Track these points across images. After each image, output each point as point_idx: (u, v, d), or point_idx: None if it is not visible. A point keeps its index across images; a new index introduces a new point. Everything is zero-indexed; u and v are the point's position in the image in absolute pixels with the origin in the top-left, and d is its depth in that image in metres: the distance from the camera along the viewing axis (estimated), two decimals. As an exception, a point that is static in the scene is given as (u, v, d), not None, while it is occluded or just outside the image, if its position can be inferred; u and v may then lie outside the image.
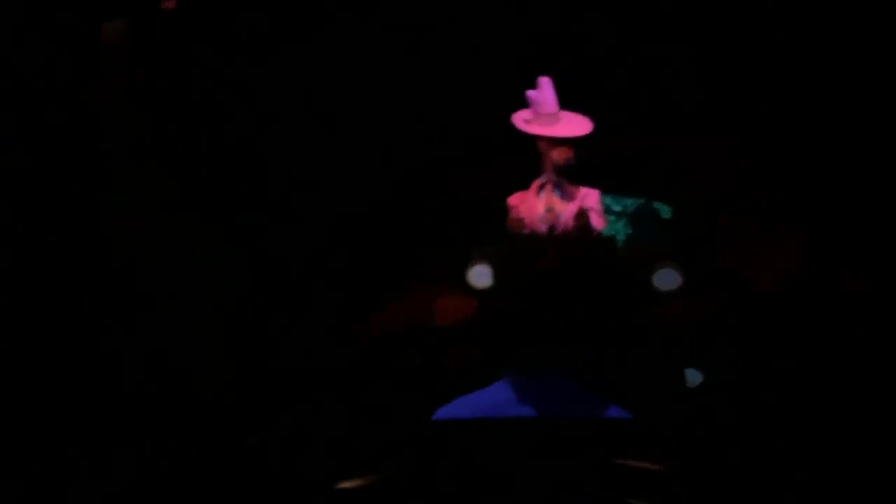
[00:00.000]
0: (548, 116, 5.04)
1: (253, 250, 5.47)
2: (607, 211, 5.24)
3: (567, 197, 5.13)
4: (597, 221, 5.11)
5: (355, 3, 5.86)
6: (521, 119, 5.11)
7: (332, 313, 5.39)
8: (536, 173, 5.17)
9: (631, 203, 5.31)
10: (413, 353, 5.15)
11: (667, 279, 4.78)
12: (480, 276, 4.86)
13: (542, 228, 5.11)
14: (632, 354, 4.72)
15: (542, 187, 5.16)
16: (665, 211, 5.26)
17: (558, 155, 5.07)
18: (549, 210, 5.13)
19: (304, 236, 5.59)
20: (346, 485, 4.00)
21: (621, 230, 5.28)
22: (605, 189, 5.22)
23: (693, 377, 4.83)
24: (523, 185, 5.20)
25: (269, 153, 5.65)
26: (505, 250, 4.96)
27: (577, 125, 5.09)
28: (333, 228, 5.61)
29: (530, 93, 5.07)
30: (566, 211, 5.12)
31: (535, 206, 5.15)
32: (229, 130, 5.56)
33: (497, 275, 4.84)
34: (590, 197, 5.18)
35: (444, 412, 4.55)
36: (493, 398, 4.54)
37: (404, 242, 5.65)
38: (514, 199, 5.19)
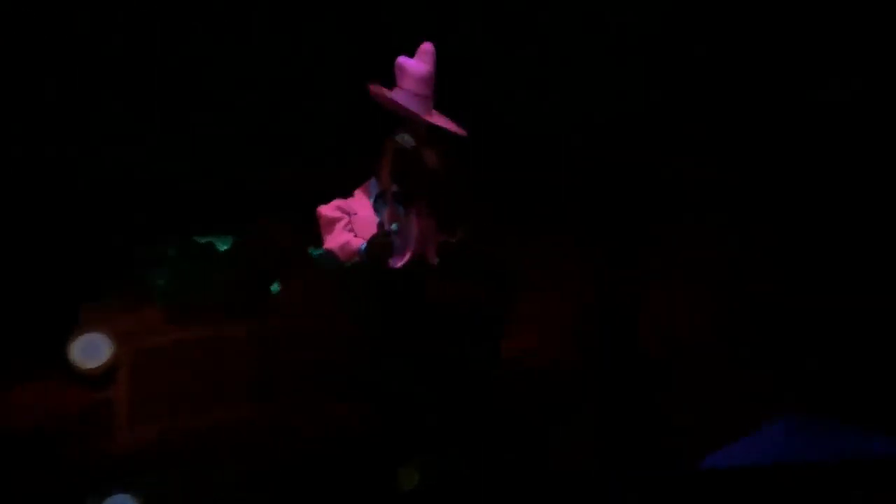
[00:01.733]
0: (419, 98, 3.78)
1: None
2: None
3: (412, 212, 3.91)
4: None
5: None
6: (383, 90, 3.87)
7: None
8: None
9: None
10: None
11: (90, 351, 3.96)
12: (92, 349, 3.88)
13: (388, 256, 3.96)
14: None
15: (380, 198, 3.91)
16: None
17: (431, 158, 3.87)
18: (397, 231, 3.88)
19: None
20: None
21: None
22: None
23: None
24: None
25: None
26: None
27: (451, 123, 3.93)
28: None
29: (404, 61, 3.81)
30: (411, 230, 3.95)
31: (373, 222, 3.89)
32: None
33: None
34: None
35: (713, 460, 3.75)
36: (765, 443, 3.79)
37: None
38: (330, 210, 3.95)
